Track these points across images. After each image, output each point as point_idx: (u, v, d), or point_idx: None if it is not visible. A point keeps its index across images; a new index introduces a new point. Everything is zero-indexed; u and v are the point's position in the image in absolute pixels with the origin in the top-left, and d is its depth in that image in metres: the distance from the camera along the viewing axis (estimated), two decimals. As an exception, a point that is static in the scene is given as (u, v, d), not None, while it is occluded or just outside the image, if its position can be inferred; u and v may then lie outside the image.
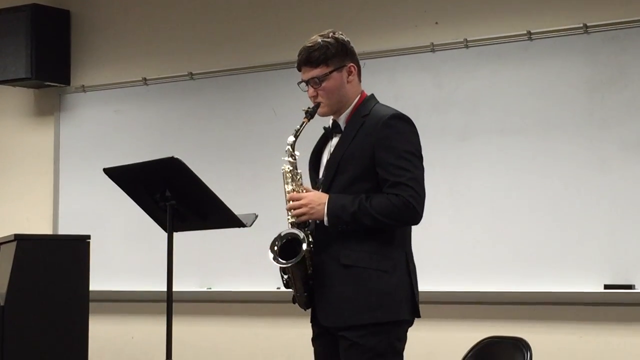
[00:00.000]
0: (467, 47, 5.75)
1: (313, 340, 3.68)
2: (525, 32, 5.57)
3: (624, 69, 5.33)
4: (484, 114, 5.68)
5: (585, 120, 5.41)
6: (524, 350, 4.11)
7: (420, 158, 3.58)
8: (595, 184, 5.36)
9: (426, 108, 5.80)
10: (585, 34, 5.43)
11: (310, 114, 3.60)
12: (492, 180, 5.63)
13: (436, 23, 5.92)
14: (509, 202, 5.57)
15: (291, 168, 3.60)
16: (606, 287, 5.30)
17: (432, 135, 5.78)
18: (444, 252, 5.70)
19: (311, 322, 3.66)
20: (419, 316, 3.59)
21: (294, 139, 3.60)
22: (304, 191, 3.58)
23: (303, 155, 3.70)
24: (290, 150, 3.61)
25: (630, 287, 5.25)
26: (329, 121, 3.70)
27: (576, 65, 5.44)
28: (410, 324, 3.58)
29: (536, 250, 5.48)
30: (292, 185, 3.59)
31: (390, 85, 5.87)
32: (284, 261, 3.50)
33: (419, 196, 3.49)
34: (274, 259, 3.51)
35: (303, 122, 3.59)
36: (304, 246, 3.47)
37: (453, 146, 5.74)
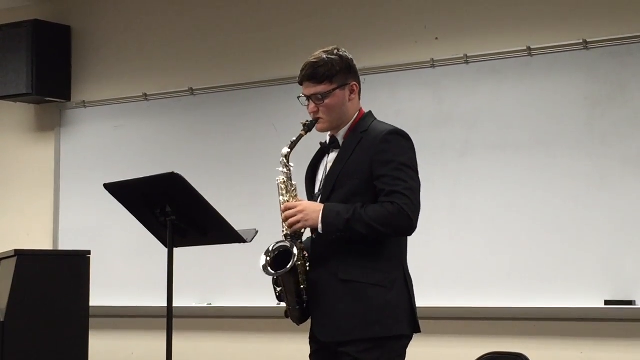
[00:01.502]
0: (467, 62, 5.75)
1: (311, 356, 3.68)
2: (525, 47, 5.58)
3: (624, 84, 5.34)
4: (484, 129, 5.68)
5: (585, 135, 5.41)
6: (525, 366, 4.12)
7: (417, 173, 3.55)
8: (595, 199, 5.36)
9: (426, 123, 5.81)
10: (585, 50, 5.44)
11: (308, 127, 3.59)
12: (492, 196, 5.63)
13: (436, 39, 5.93)
14: (509, 217, 5.57)
15: (285, 179, 3.61)
16: (607, 302, 5.29)
17: (433, 150, 5.79)
18: (444, 267, 5.70)
19: (309, 338, 3.66)
20: (419, 331, 3.58)
21: (288, 150, 3.61)
22: (298, 202, 3.59)
23: (300, 169, 3.70)
24: (285, 161, 3.61)
25: (630, 303, 5.24)
26: (325, 136, 3.70)
27: (576, 81, 5.45)
28: (410, 339, 3.57)
29: (536, 265, 5.48)
30: (287, 196, 3.60)
31: (390, 101, 5.88)
32: (272, 271, 3.50)
33: (413, 205, 3.45)
34: (264, 268, 3.52)
35: (300, 135, 3.59)
36: (295, 257, 3.47)
37: (453, 161, 5.74)
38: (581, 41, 5.44)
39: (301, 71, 3.60)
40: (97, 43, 7.18)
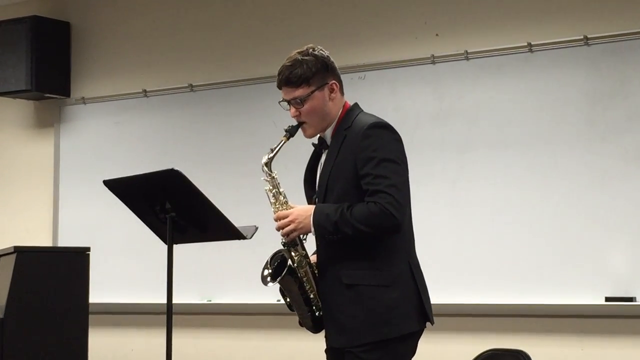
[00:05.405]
0: (467, 59, 5.74)
1: (326, 351, 3.65)
2: (525, 44, 5.57)
3: (624, 80, 5.33)
4: (485, 125, 5.67)
5: (586, 132, 5.40)
6: (525, 363, 4.11)
7: (402, 164, 3.47)
8: (596, 195, 5.35)
9: (427, 120, 5.80)
10: (585, 46, 5.43)
11: (290, 133, 3.54)
12: (493, 192, 5.62)
13: (436, 35, 5.92)
14: (510, 214, 5.56)
15: (272, 188, 3.56)
16: (607, 299, 5.29)
17: (433, 147, 5.79)
18: (443, 264, 5.69)
19: (325, 337, 3.63)
20: (432, 323, 3.54)
21: (267, 159, 3.55)
22: (289, 208, 3.54)
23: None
24: (267, 169, 3.56)
25: (631, 299, 5.24)
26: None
27: (577, 77, 5.44)
28: (420, 333, 3.54)
29: (537, 262, 5.47)
30: (278, 205, 3.55)
31: (390, 97, 5.87)
32: (269, 280, 3.50)
33: (397, 202, 3.38)
34: (263, 280, 3.51)
35: (281, 141, 3.53)
36: (287, 265, 3.46)
37: (453, 158, 5.74)
38: (582, 37, 5.43)
39: (278, 75, 3.54)
40: (96, 39, 7.17)
